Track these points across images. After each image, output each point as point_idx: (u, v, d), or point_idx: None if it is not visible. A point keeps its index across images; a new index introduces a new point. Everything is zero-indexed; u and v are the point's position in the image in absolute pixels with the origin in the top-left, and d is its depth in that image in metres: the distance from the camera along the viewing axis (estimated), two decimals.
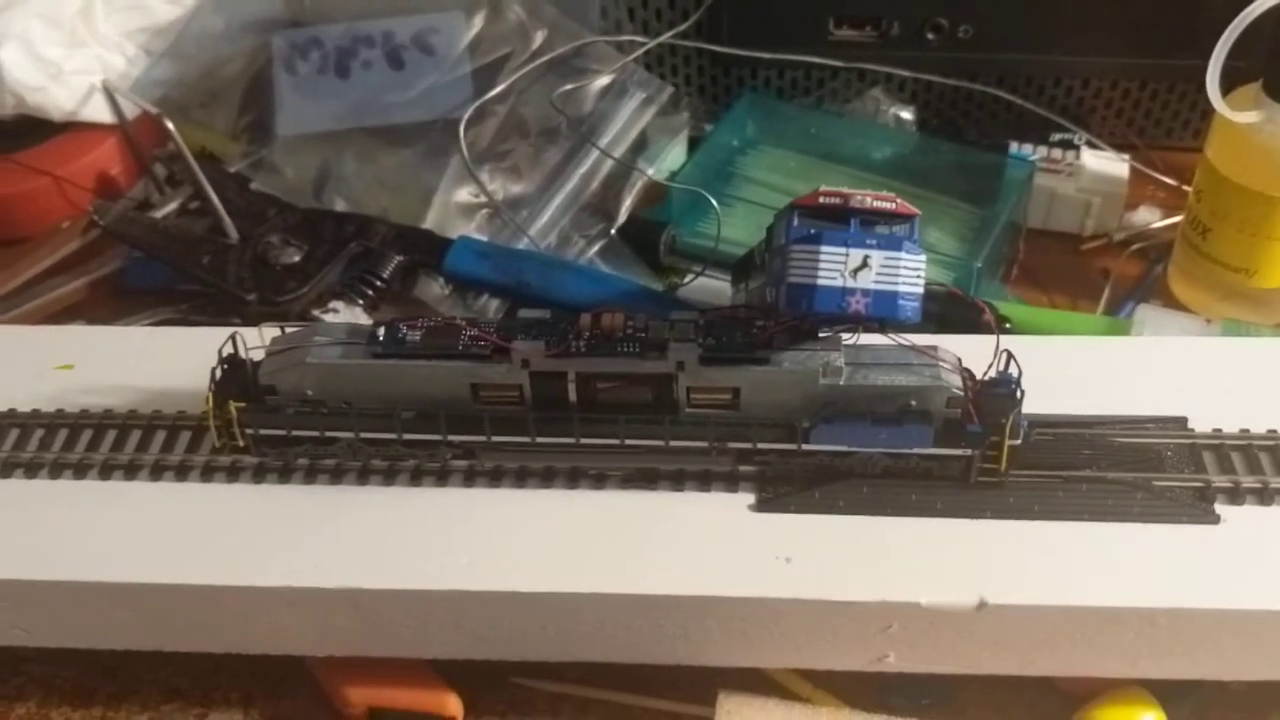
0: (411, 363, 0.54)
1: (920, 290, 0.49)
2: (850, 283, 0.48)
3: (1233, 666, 0.53)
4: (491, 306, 0.75)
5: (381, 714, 0.57)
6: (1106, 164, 0.80)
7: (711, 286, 0.74)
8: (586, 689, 0.58)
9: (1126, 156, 0.81)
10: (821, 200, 0.49)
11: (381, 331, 0.54)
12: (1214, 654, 0.52)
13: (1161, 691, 0.55)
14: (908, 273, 0.48)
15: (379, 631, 0.54)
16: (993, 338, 0.53)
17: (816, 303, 0.48)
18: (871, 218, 0.49)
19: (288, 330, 0.56)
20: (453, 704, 0.57)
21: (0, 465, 0.58)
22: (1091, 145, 0.82)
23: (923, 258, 0.49)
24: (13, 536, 0.55)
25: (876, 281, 0.48)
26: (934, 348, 0.53)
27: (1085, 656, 0.52)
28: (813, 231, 0.49)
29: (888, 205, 0.49)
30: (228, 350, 0.55)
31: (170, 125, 0.79)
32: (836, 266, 0.48)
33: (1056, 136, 0.83)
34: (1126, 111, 0.86)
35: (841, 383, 0.52)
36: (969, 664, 0.54)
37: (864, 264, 0.48)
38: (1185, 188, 0.78)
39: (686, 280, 0.76)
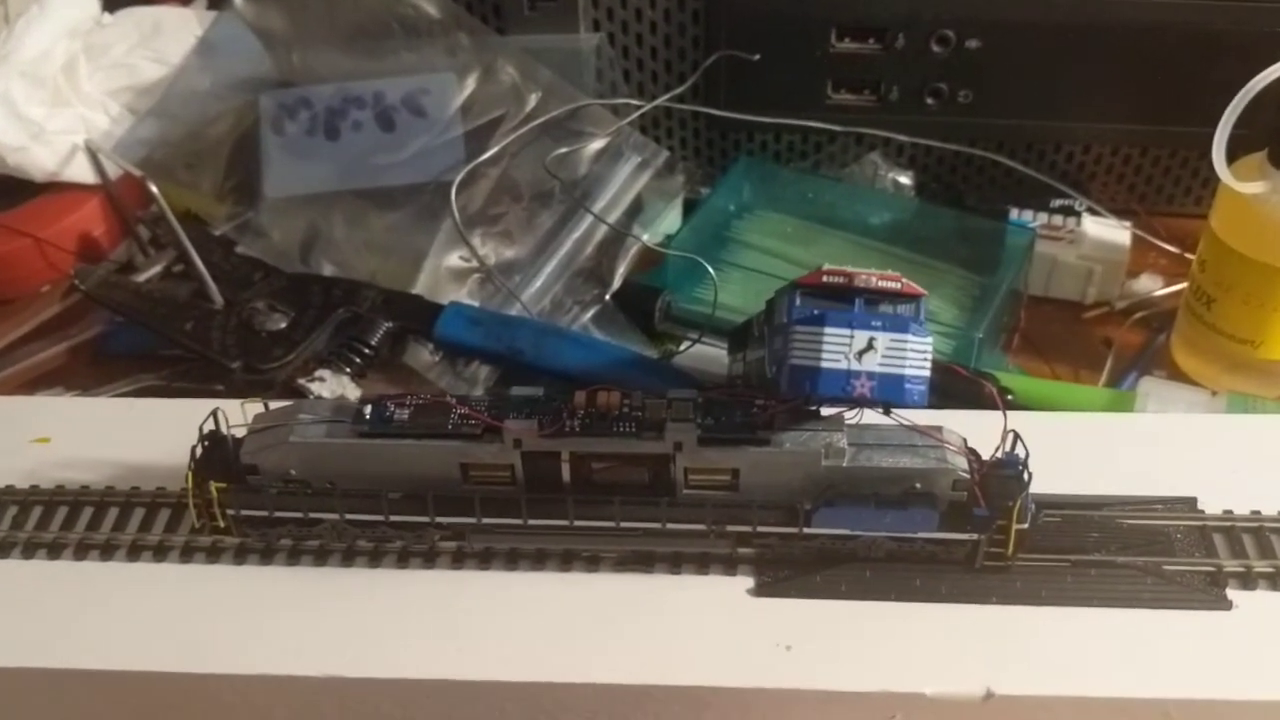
0: (399, 442, 0.52)
1: (927, 373, 0.47)
2: (855, 365, 0.46)
3: None
4: (482, 374, 0.73)
5: None
6: (1108, 231, 0.79)
7: (708, 354, 0.73)
8: None
9: (1128, 223, 0.81)
10: (825, 279, 0.48)
11: (368, 410, 0.52)
12: None
13: None
14: (914, 355, 0.47)
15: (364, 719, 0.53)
16: (996, 412, 0.52)
17: (820, 386, 0.47)
18: (876, 297, 0.48)
19: (271, 407, 0.55)
20: None
21: None
22: (1093, 212, 0.81)
23: (929, 340, 0.47)
24: None
25: (882, 365, 0.46)
26: (939, 428, 0.52)
27: None
28: (816, 312, 0.47)
29: (893, 285, 0.48)
30: (208, 427, 0.54)
31: (154, 187, 0.78)
32: (841, 349, 0.46)
33: (1057, 203, 0.82)
34: (1128, 177, 0.86)
35: (844, 464, 0.51)
36: None
37: (869, 346, 0.46)
38: (1188, 255, 0.77)
39: (682, 348, 0.75)
